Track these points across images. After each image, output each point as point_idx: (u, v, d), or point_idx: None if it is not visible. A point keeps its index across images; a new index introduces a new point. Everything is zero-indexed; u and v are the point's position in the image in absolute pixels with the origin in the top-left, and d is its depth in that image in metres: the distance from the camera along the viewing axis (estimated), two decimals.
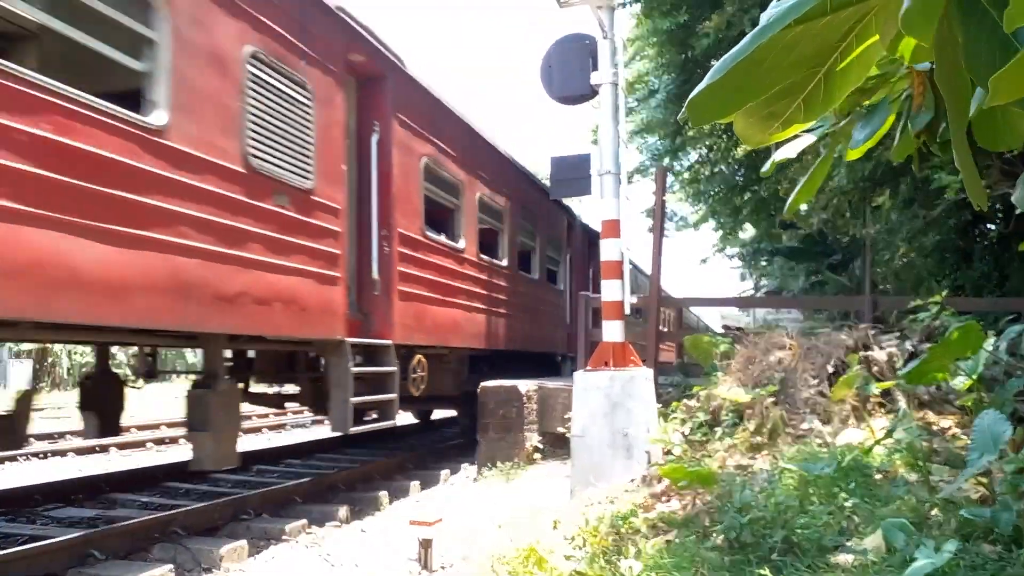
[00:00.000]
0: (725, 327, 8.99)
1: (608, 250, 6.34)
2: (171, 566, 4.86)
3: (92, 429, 7.21)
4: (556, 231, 14.78)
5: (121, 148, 4.58)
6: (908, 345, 6.13)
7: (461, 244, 9.82)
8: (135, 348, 8.68)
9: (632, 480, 5.23)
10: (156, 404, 16.60)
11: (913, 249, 11.67)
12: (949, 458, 4.12)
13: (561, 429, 8.01)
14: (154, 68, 4.90)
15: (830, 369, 5.90)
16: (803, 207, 11.07)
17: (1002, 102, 1.08)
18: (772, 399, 5.54)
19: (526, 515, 4.99)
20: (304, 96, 6.33)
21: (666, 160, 16.00)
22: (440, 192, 9.24)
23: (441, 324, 9.10)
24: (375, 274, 7.52)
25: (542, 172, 13.96)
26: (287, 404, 10.59)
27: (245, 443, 10.03)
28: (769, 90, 1.40)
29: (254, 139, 5.73)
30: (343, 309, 6.87)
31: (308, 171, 6.37)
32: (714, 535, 3.45)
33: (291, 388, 9.52)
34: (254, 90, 5.74)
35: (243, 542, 5.43)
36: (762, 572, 2.89)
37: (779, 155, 2.31)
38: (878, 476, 3.95)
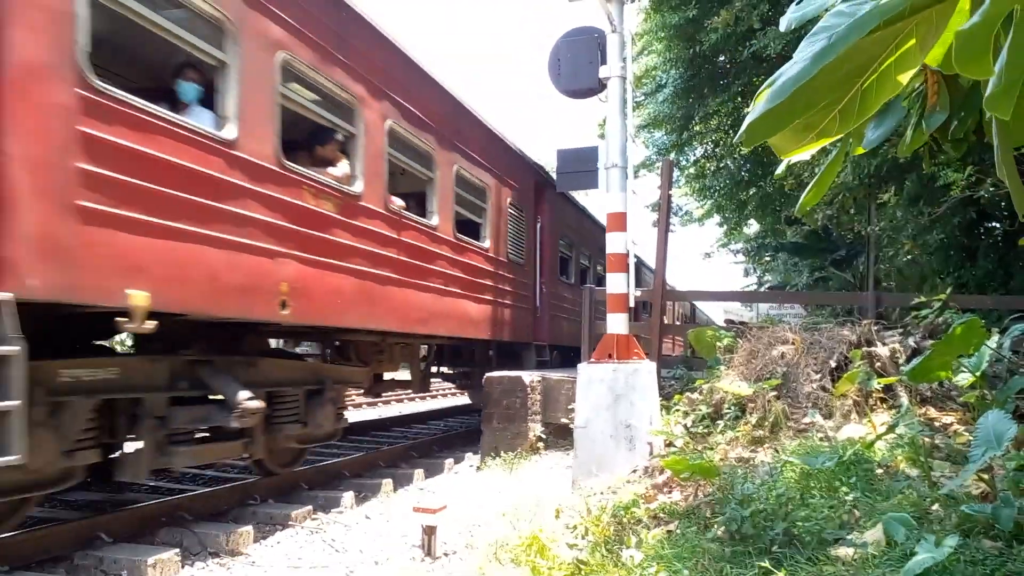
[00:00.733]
0: (728, 321, 9.01)
1: (614, 243, 6.37)
2: (177, 550, 4.90)
3: None
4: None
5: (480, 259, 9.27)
6: (911, 341, 6.15)
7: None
8: None
9: (634, 471, 5.28)
10: None
11: (917, 246, 11.66)
12: (951, 454, 4.15)
13: (564, 420, 8.06)
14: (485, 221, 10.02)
15: (832, 364, 5.93)
16: None
17: None
18: (774, 393, 5.57)
19: (529, 504, 5.04)
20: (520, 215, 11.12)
21: (672, 155, 16.00)
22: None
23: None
24: None
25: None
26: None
27: None
28: (817, 107, 1.42)
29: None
30: None
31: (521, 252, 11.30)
32: (715, 526, 3.49)
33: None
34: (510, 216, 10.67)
35: (249, 527, 5.48)
36: (762, 564, 2.92)
37: (793, 158, 2.33)
38: (879, 471, 3.98)
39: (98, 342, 5.74)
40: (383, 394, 13.92)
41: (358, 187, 6.73)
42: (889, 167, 9.44)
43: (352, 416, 11.72)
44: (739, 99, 12.86)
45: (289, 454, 7.11)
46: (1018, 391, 4.52)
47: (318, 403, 6.83)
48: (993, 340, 4.88)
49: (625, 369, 6.06)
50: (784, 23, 2.05)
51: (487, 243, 10.07)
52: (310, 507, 6.23)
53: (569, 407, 7.65)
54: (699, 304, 34.21)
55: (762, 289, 27.42)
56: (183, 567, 4.83)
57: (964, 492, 3.32)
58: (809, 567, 2.92)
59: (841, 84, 1.40)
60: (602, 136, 11.94)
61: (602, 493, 4.83)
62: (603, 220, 7.26)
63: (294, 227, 5.77)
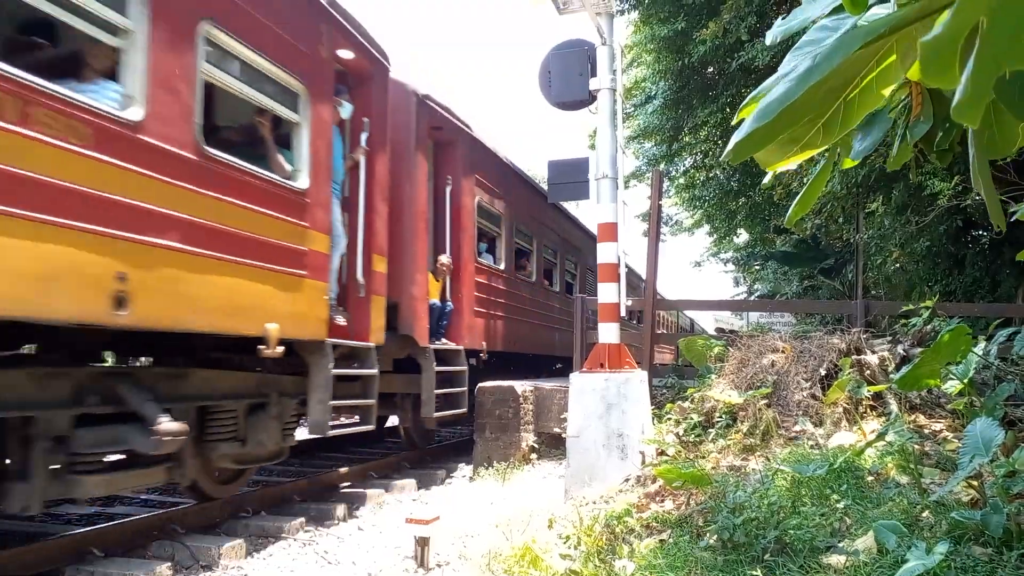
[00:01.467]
0: (719, 330, 9.05)
1: (605, 253, 6.40)
2: (169, 563, 4.88)
3: None
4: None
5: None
6: (900, 349, 6.21)
7: None
8: None
9: (626, 480, 5.29)
10: None
11: (905, 254, 11.77)
12: (940, 461, 4.19)
13: (557, 429, 8.08)
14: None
15: (822, 372, 5.97)
16: None
17: None
18: (765, 401, 5.60)
19: (522, 514, 5.05)
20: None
21: (662, 165, 16.11)
22: None
23: None
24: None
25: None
26: None
27: None
28: (800, 121, 1.46)
29: None
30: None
31: None
32: (707, 535, 3.50)
33: None
34: None
35: (241, 540, 5.46)
36: (755, 572, 2.94)
37: (780, 168, 2.37)
38: (870, 478, 4.01)
39: None
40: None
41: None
42: (877, 177, 9.53)
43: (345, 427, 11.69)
44: (727, 110, 12.97)
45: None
46: (1006, 398, 4.57)
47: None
48: (980, 347, 4.93)
49: (617, 379, 6.08)
50: (770, 37, 2.09)
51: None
52: (303, 519, 6.20)
53: (562, 416, 7.66)
54: (690, 313, 34.30)
55: (752, 298, 27.53)
56: None
57: (954, 499, 3.35)
58: (801, 575, 2.94)
59: (824, 99, 1.44)
60: (592, 147, 12.00)
61: (595, 503, 4.84)
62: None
63: None
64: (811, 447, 4.91)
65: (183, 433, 4.82)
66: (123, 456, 5.17)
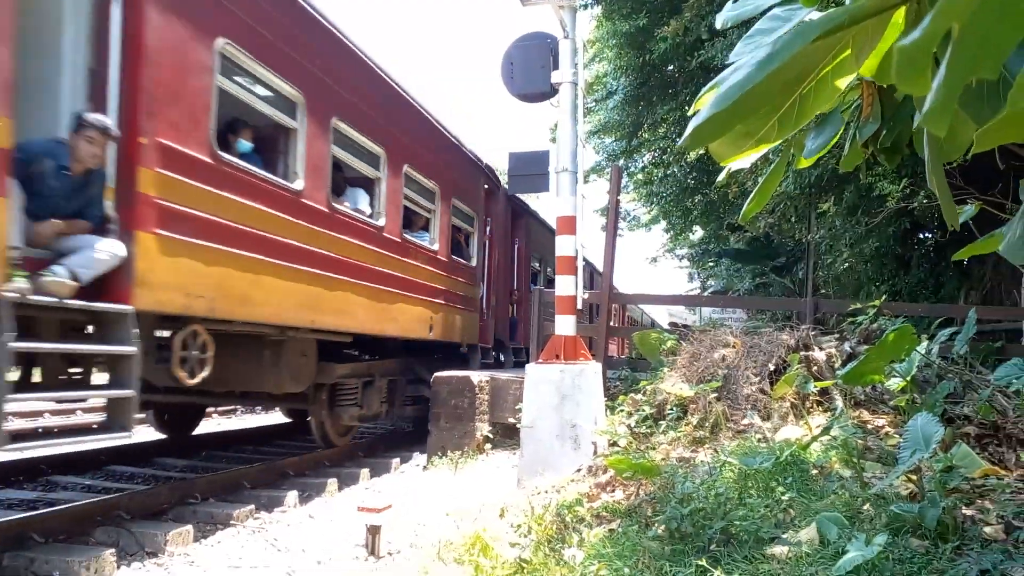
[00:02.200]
0: (672, 324, 9.18)
1: (563, 246, 6.44)
2: (113, 549, 4.78)
3: None
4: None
5: None
6: (847, 346, 6.35)
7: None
8: None
9: (579, 470, 5.34)
10: None
11: (854, 255, 12.04)
12: (882, 455, 4.30)
13: (512, 420, 8.10)
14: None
15: (771, 367, 6.08)
16: None
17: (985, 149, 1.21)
18: (715, 395, 5.69)
19: (474, 503, 5.06)
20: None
21: (621, 161, 16.20)
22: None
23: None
24: None
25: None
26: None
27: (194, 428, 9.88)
28: (759, 111, 1.47)
29: None
30: None
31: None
32: (656, 525, 3.55)
33: None
34: None
35: (189, 526, 5.38)
36: (700, 562, 2.99)
37: (734, 165, 2.40)
38: (814, 471, 4.09)
39: None
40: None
41: None
42: (829, 177, 9.72)
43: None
44: (686, 108, 13.07)
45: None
46: (946, 395, 4.72)
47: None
48: (923, 346, 5.08)
49: (572, 370, 6.13)
50: (720, 20, 2.10)
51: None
52: (252, 506, 6.14)
53: (517, 407, 7.70)
54: (645, 308, 34.66)
55: (705, 294, 27.92)
56: (119, 567, 4.72)
57: (893, 492, 3.44)
58: (746, 565, 3.00)
59: (782, 91, 1.46)
60: (554, 140, 12.03)
61: (547, 492, 4.88)
62: None
63: None
64: (758, 440, 5.00)
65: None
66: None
